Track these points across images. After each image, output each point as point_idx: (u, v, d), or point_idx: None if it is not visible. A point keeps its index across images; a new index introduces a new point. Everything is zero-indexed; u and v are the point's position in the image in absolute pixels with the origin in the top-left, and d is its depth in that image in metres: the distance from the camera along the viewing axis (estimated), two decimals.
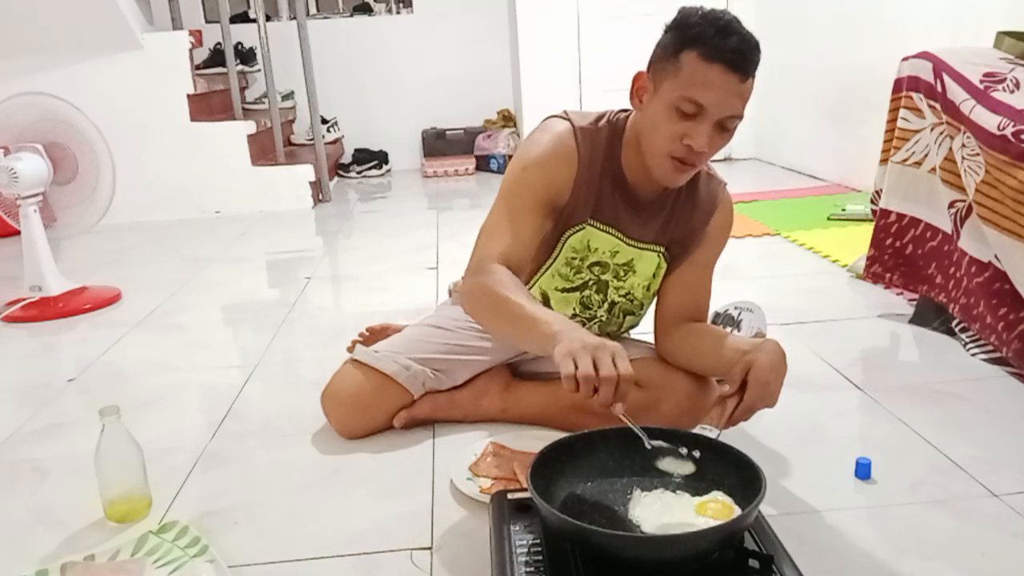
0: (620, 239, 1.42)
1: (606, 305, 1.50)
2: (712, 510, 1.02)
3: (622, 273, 1.47)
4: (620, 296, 1.50)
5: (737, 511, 1.01)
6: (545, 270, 1.45)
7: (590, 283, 1.47)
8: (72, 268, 2.87)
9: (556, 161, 1.35)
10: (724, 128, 1.24)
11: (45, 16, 3.67)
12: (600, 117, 1.39)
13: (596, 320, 1.52)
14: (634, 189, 1.39)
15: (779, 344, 1.24)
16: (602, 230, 1.41)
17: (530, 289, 1.47)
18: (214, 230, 3.69)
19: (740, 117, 1.24)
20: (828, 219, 3.14)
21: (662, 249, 1.46)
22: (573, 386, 1.02)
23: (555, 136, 1.36)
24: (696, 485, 1.09)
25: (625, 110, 1.39)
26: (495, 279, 1.23)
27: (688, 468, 1.10)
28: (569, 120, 1.38)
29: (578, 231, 1.40)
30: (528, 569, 0.96)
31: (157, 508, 1.34)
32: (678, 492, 1.08)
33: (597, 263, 1.45)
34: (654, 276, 1.48)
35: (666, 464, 1.11)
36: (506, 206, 1.34)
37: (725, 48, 1.18)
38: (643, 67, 1.30)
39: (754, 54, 1.21)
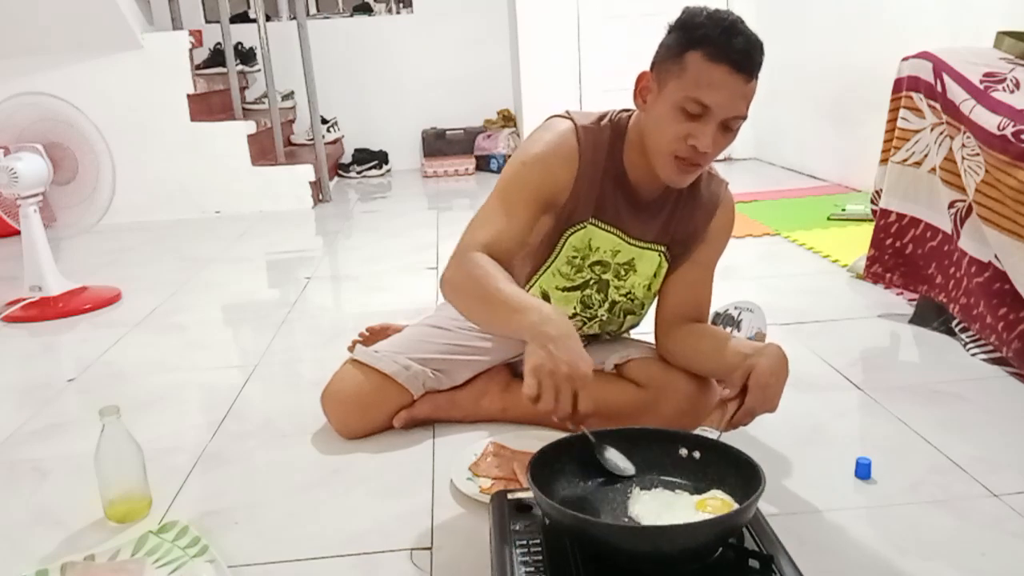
0: (621, 238, 1.42)
1: (607, 304, 1.50)
2: (712, 507, 1.02)
3: (623, 272, 1.47)
4: (621, 295, 1.50)
5: (735, 507, 1.01)
6: (546, 269, 1.45)
7: (591, 282, 1.47)
8: (72, 268, 2.87)
9: (556, 159, 1.35)
10: (728, 128, 1.24)
11: (45, 16, 3.67)
12: (602, 117, 1.39)
13: (597, 319, 1.52)
14: (636, 188, 1.39)
15: (781, 348, 1.24)
16: (604, 229, 1.41)
17: (530, 288, 1.47)
18: (214, 230, 3.69)
19: (744, 117, 1.24)
20: (828, 219, 3.14)
21: (663, 249, 1.46)
22: (531, 406, 1.07)
23: (557, 135, 1.36)
24: (696, 485, 1.09)
25: (627, 110, 1.39)
26: (474, 264, 1.23)
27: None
28: (571, 119, 1.38)
29: (579, 230, 1.40)
30: (528, 569, 0.96)
31: (157, 508, 1.34)
32: (677, 491, 1.08)
33: (598, 262, 1.45)
34: (655, 276, 1.48)
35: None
36: (499, 198, 1.34)
37: (730, 49, 1.18)
38: (644, 67, 1.30)
39: (759, 55, 1.21)
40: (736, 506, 1.02)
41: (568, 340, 1.07)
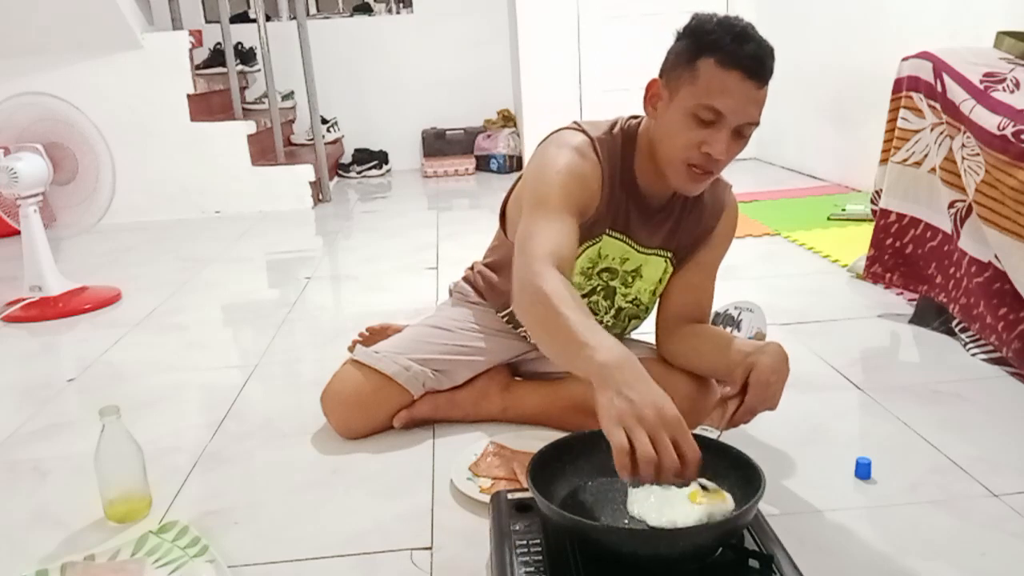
0: (630, 246, 1.42)
1: (612, 311, 1.50)
2: (706, 498, 1.02)
3: (630, 279, 1.46)
4: (627, 302, 1.49)
5: (727, 496, 1.01)
6: None
7: (598, 289, 1.47)
8: (72, 268, 2.87)
9: (587, 173, 1.30)
10: (740, 135, 1.23)
11: (45, 16, 3.66)
12: (612, 125, 1.37)
13: (601, 325, 1.51)
14: (645, 196, 1.38)
15: (781, 347, 1.24)
16: (615, 238, 1.40)
17: None
18: (214, 230, 3.69)
19: (756, 124, 1.22)
20: (828, 219, 3.14)
21: (669, 254, 1.45)
22: (627, 463, 0.90)
23: (577, 149, 1.31)
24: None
25: (635, 117, 1.38)
26: (550, 287, 1.10)
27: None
28: (584, 132, 1.34)
29: (596, 243, 1.39)
30: (528, 569, 0.96)
31: (157, 508, 1.34)
32: (670, 487, 1.08)
33: (606, 269, 1.44)
34: (660, 281, 1.48)
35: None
36: (542, 206, 1.25)
37: (742, 55, 1.17)
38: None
39: (770, 60, 1.20)
40: (726, 494, 1.02)
41: (643, 383, 0.96)
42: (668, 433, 0.91)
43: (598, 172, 1.33)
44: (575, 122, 1.39)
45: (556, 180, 1.27)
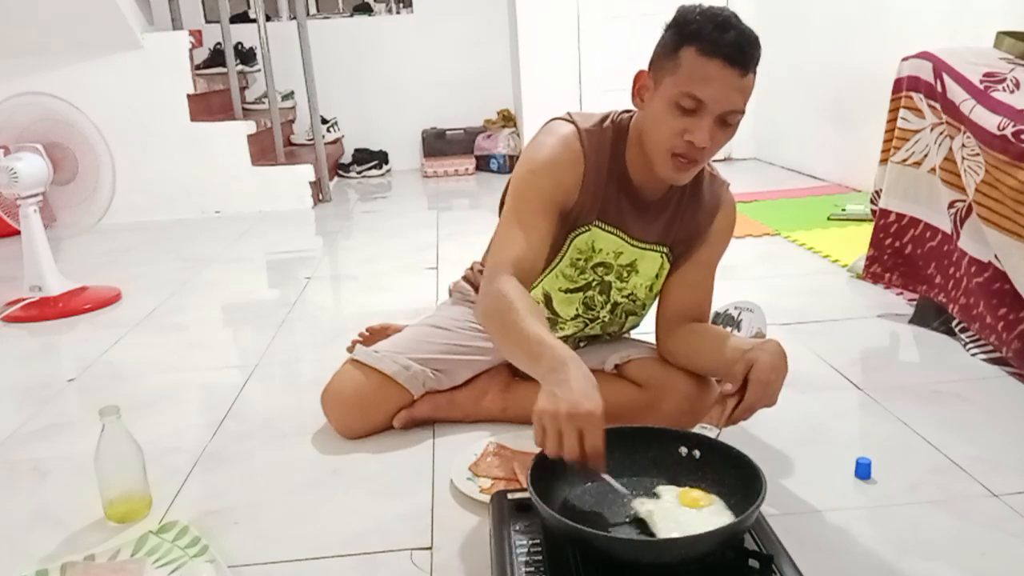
0: (624, 240, 1.42)
1: (609, 306, 1.50)
2: (703, 500, 1.03)
3: (625, 274, 1.47)
4: (623, 297, 1.50)
5: (714, 497, 1.03)
6: (550, 271, 1.44)
7: (593, 283, 1.47)
8: (72, 268, 2.87)
9: (563, 164, 1.34)
10: (725, 123, 1.24)
11: (45, 16, 3.66)
12: (604, 118, 1.39)
13: (598, 321, 1.52)
14: (639, 189, 1.39)
15: (780, 344, 1.24)
16: (607, 231, 1.41)
17: (533, 290, 1.46)
18: (214, 230, 3.69)
19: (741, 112, 1.23)
20: (828, 219, 3.14)
21: (665, 250, 1.45)
22: (541, 445, 1.03)
23: (561, 139, 1.35)
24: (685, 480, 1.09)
25: (628, 111, 1.39)
26: (507, 296, 1.19)
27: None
28: (574, 122, 1.37)
29: (583, 232, 1.40)
30: (528, 569, 0.96)
31: (157, 508, 1.34)
32: (664, 489, 1.08)
33: (601, 264, 1.45)
34: (657, 276, 1.48)
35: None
36: (515, 211, 1.33)
37: (723, 43, 1.18)
38: (644, 67, 1.31)
39: (753, 49, 1.21)
40: (713, 496, 1.03)
41: (573, 382, 1.04)
42: (577, 426, 1.00)
43: (579, 163, 1.35)
44: (568, 112, 1.41)
45: (531, 180, 1.34)
